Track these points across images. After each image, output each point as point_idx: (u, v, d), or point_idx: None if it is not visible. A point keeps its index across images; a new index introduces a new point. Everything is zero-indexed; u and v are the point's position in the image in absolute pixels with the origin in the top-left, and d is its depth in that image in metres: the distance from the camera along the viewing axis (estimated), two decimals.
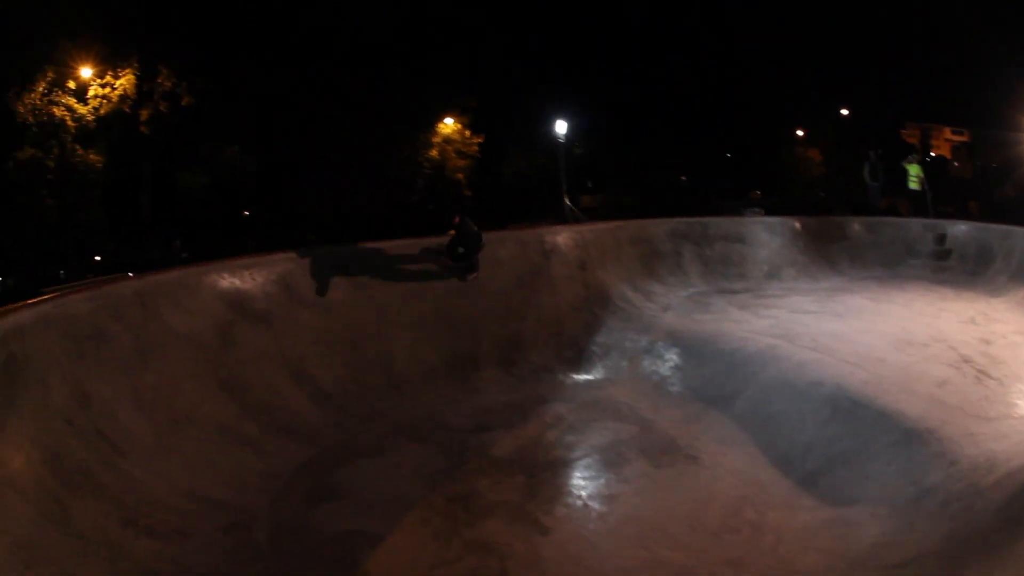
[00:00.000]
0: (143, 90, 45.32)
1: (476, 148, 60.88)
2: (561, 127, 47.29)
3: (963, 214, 25.16)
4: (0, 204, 42.75)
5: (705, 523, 9.46)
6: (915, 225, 21.70)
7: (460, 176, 60.39)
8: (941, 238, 20.53)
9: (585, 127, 62.27)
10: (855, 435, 10.46)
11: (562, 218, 34.59)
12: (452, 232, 16.85)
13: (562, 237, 18.95)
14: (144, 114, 45.55)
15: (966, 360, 12.25)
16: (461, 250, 16.66)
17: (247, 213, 55.55)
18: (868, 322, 14.65)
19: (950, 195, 32.18)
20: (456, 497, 10.51)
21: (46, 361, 10.18)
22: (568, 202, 35.52)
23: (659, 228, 20.59)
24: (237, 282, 14.67)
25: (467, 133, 60.55)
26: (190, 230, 50.40)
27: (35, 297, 11.97)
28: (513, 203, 64.34)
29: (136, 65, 44.48)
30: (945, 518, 8.42)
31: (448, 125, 60.02)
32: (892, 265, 20.06)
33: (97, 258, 46.89)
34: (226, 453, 11.47)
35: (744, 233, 21.26)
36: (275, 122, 52.71)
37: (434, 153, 59.74)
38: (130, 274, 18.38)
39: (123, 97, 44.28)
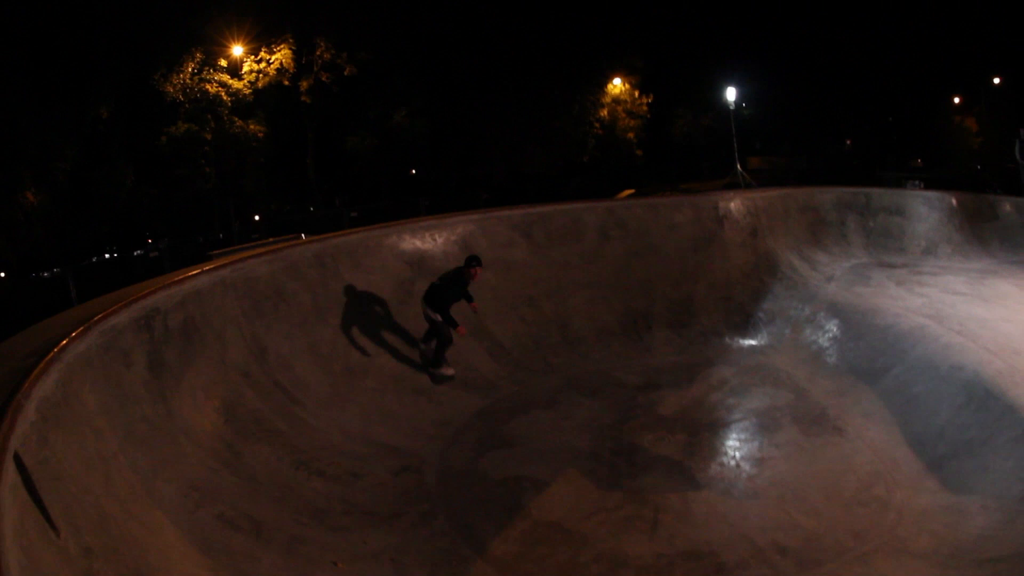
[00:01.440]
0: (302, 62, 46.21)
1: (646, 108, 60.40)
2: (731, 94, 46.84)
3: None
4: (156, 177, 44.24)
5: (840, 494, 9.81)
6: None
7: (631, 136, 60.08)
8: None
9: (753, 90, 61.35)
10: (983, 425, 10.48)
11: (735, 183, 34.26)
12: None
13: (735, 203, 18.72)
14: (304, 84, 46.70)
15: None
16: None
17: (414, 172, 56.23)
18: (1011, 310, 14.24)
19: None
20: (621, 450, 11.11)
21: (224, 320, 11.00)
22: (740, 168, 35.25)
23: (825, 197, 20.28)
24: (418, 242, 15.30)
25: (636, 94, 60.11)
26: (356, 190, 51.56)
27: (203, 259, 12.58)
28: (683, 163, 63.96)
29: (291, 40, 45.28)
30: None
31: (617, 86, 59.76)
32: None
33: (256, 218, 48.19)
34: (401, 402, 12.24)
35: (905, 206, 20.77)
36: (448, 84, 53.15)
37: (604, 113, 59.49)
38: (302, 235, 19.01)
39: (280, 70, 45.29)
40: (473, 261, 13.21)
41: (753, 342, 15.35)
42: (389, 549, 8.42)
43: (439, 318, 12.86)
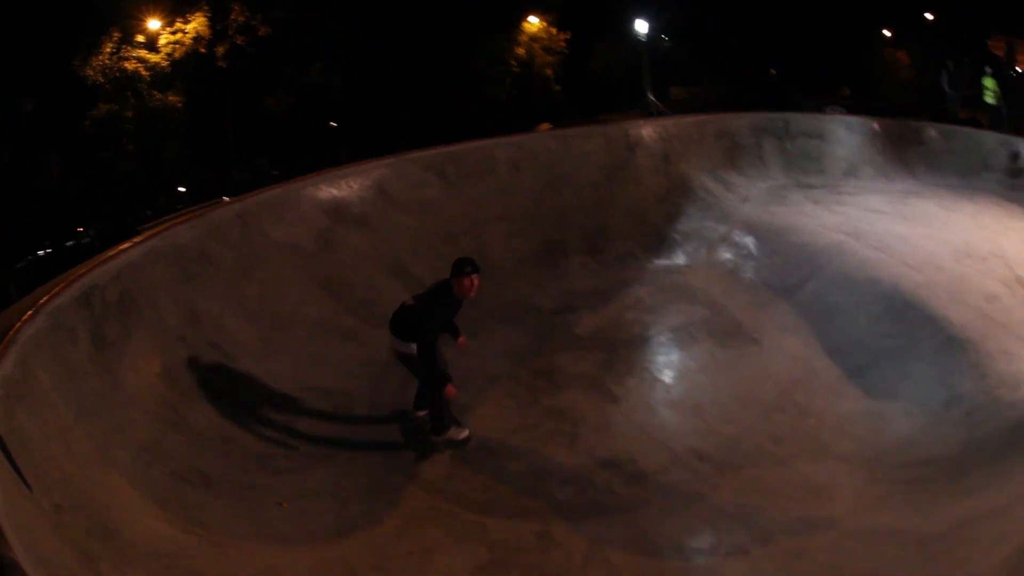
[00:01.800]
0: (217, 29, 46.27)
1: (563, 44, 61.07)
2: (642, 26, 47.48)
3: None
4: (82, 163, 44.16)
5: (757, 401, 10.37)
6: (990, 139, 20.52)
7: (548, 72, 60.67)
8: (1015, 156, 19.37)
9: (673, 20, 61.89)
10: (902, 335, 11.02)
11: (647, 112, 34.65)
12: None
13: (646, 131, 19.09)
14: (220, 50, 46.85)
15: (1020, 282, 12.33)
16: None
17: (334, 125, 56.29)
18: (933, 229, 14.63)
19: None
20: (540, 371, 11.54)
21: (157, 289, 11.15)
22: (652, 97, 35.65)
23: (741, 122, 20.55)
24: (334, 191, 15.31)
25: (553, 31, 60.72)
26: (277, 149, 51.72)
27: (133, 236, 12.77)
28: (601, 97, 64.55)
29: (206, 8, 45.35)
30: (965, 426, 9.13)
31: (533, 24, 60.21)
32: (966, 175, 19.06)
33: (181, 189, 48.13)
34: (329, 346, 12.41)
35: (824, 130, 20.97)
36: (361, 35, 53.36)
37: (521, 51, 60.04)
38: (225, 198, 19.09)
39: (197, 38, 45.44)
40: (466, 267, 9.65)
41: (668, 262, 15.68)
42: (328, 485, 8.84)
43: (411, 350, 9.43)
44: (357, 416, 10.63)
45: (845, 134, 20.66)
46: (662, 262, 15.69)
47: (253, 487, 8.53)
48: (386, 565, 7.55)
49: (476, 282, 9.69)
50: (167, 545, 6.96)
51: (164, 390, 9.80)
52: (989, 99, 27.03)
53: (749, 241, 15.09)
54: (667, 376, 11.22)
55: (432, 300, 9.68)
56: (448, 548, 7.84)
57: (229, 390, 10.51)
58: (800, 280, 13.24)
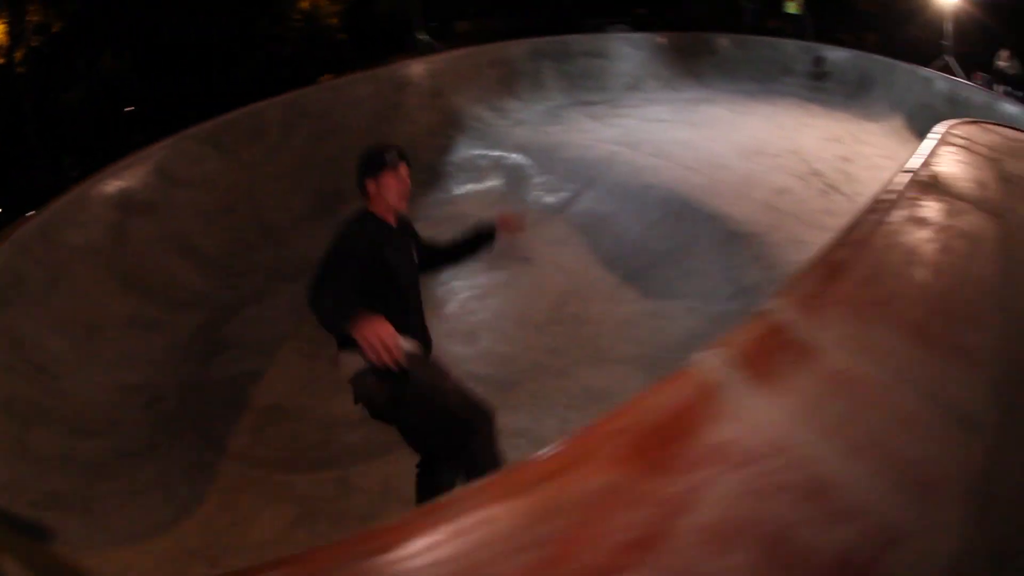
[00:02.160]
0: (14, 34, 45.50)
1: None
2: None
3: (857, 46, 24.71)
4: None
5: (531, 318, 10.68)
6: (791, 46, 21.56)
7: (334, 21, 60.64)
8: (819, 60, 20.33)
9: None
10: (683, 235, 11.47)
11: (419, 51, 34.99)
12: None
13: (415, 69, 19.53)
14: (19, 55, 45.90)
15: (816, 173, 12.93)
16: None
17: (131, 109, 55.69)
18: (721, 132, 15.19)
19: (851, 26, 32.32)
20: None
21: None
22: (422, 36, 35.95)
23: (518, 49, 20.99)
24: (120, 183, 15.10)
25: None
26: (77, 146, 50.95)
27: None
28: (386, 43, 64.48)
29: (4, 14, 44.68)
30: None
31: None
32: (763, 81, 19.85)
33: None
34: (136, 341, 12.34)
35: (606, 48, 21.59)
36: (146, 16, 52.94)
37: (304, 4, 60.04)
38: (30, 213, 18.83)
39: None
40: (383, 155, 6.36)
41: (441, 194, 15.93)
42: (155, 477, 9.01)
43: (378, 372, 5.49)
44: (168, 405, 10.67)
45: (629, 50, 21.13)
46: (435, 195, 15.89)
47: (96, 498, 8.68)
48: (217, 541, 7.80)
49: (406, 175, 6.35)
50: (42, 564, 7.25)
51: (5, 423, 9.82)
52: (791, 9, 27.92)
53: (520, 163, 15.45)
54: (438, 306, 11.46)
55: (338, 237, 5.95)
56: (264, 511, 8.14)
57: (59, 408, 10.47)
58: (572, 195, 13.65)
